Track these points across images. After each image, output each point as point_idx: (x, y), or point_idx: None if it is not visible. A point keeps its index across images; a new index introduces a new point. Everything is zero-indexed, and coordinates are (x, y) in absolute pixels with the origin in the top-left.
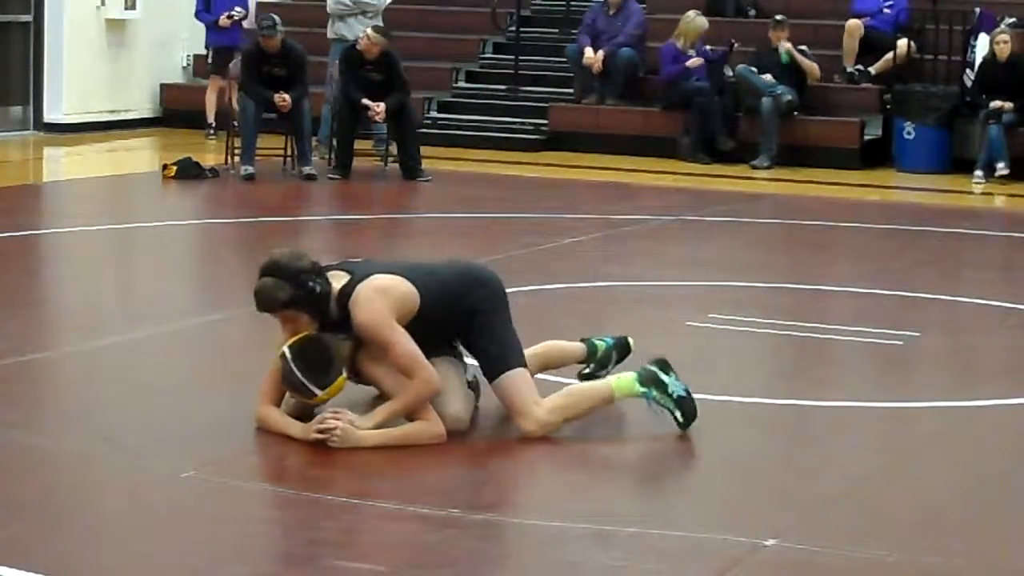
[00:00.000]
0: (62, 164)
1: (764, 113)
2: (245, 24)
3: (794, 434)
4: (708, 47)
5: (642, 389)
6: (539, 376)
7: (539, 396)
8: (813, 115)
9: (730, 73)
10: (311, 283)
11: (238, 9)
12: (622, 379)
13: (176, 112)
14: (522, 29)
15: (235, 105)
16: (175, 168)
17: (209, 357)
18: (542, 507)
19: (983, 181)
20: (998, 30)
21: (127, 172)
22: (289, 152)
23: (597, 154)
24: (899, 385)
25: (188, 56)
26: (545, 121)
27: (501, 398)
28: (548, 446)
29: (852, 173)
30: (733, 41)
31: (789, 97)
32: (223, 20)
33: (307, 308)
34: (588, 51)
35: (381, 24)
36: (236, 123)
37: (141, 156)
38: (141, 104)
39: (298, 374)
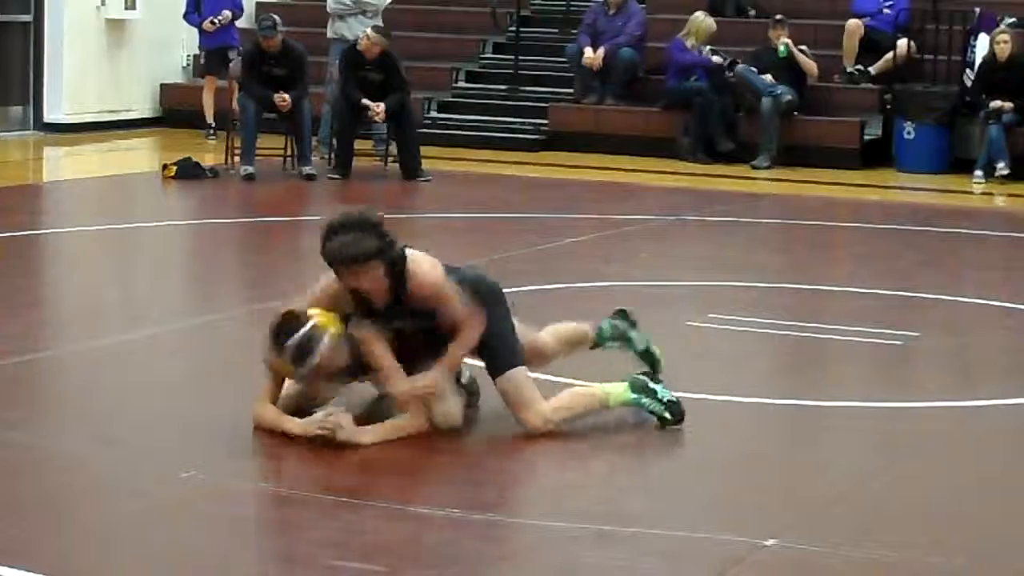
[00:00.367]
0: (62, 164)
1: (764, 113)
2: (237, 23)
3: (794, 434)
4: (711, 54)
5: (633, 396)
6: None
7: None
8: (813, 115)
9: (730, 73)
10: (390, 235)
11: (225, 13)
12: (615, 388)
13: (176, 112)
14: (522, 29)
15: (235, 105)
16: (175, 168)
17: (209, 357)
18: (542, 507)
19: (983, 181)
20: (998, 30)
21: (127, 172)
22: (289, 152)
23: (597, 154)
24: (899, 385)
25: (188, 56)
26: (545, 121)
27: (505, 393)
28: (548, 446)
29: (852, 173)
30: (736, 60)
31: (789, 97)
32: (206, 25)
33: (390, 258)
34: (588, 51)
35: (381, 24)
36: (236, 123)
37: (141, 156)
38: (141, 104)
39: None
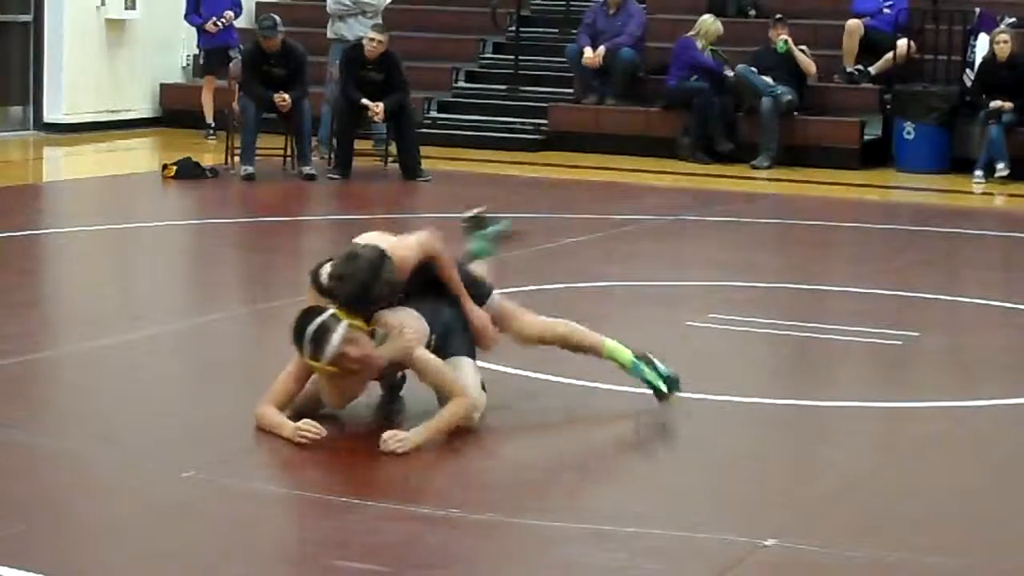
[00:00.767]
0: (62, 164)
1: (764, 113)
2: (236, 24)
3: (794, 434)
4: (719, 59)
5: (633, 360)
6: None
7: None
8: (813, 115)
9: (730, 73)
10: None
11: (228, 13)
12: (617, 345)
13: (175, 112)
14: (522, 29)
15: (235, 105)
16: (175, 168)
17: (209, 357)
18: (542, 507)
19: (983, 181)
20: (998, 30)
21: (127, 172)
22: (289, 152)
23: (597, 154)
24: (899, 385)
25: (187, 56)
26: (545, 121)
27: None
28: (548, 446)
29: (852, 173)
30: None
31: (789, 97)
32: (209, 26)
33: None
34: (588, 51)
35: (380, 23)
36: (236, 123)
37: (141, 156)
38: (141, 104)
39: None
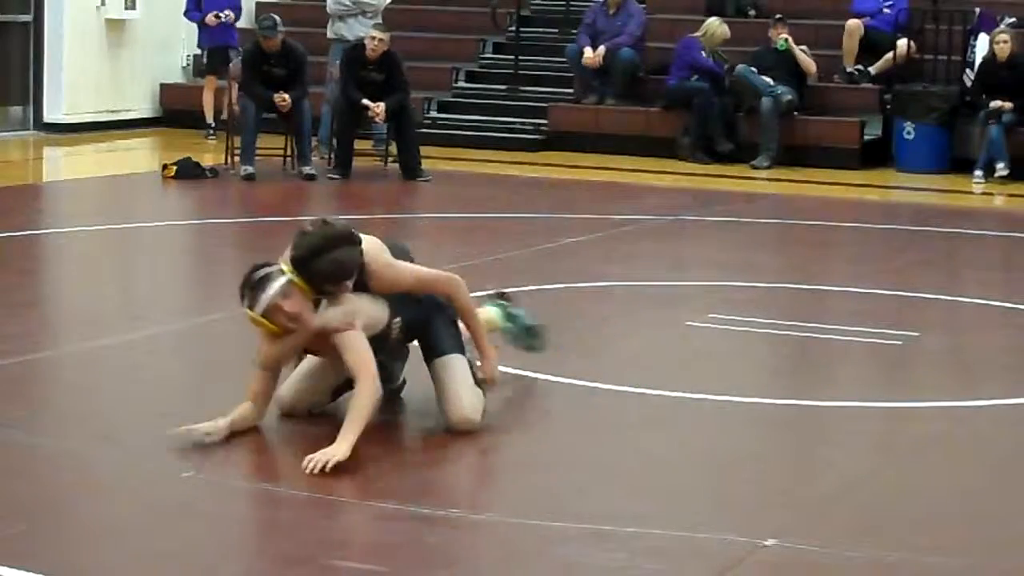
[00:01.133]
0: (62, 164)
1: (764, 113)
2: (237, 24)
3: (794, 434)
4: (715, 58)
5: (505, 324)
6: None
7: None
8: (813, 115)
9: (729, 65)
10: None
11: (227, 12)
12: (488, 313)
13: (176, 112)
14: (522, 29)
15: (235, 105)
16: (175, 168)
17: (209, 357)
18: (542, 507)
19: (983, 181)
20: (998, 30)
21: (127, 172)
22: (289, 152)
23: (597, 154)
24: (899, 385)
25: (188, 56)
26: (545, 121)
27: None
28: (548, 446)
29: (852, 173)
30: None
31: (789, 97)
32: (210, 19)
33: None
34: (588, 51)
35: (381, 23)
36: (236, 123)
37: (141, 156)
38: (141, 104)
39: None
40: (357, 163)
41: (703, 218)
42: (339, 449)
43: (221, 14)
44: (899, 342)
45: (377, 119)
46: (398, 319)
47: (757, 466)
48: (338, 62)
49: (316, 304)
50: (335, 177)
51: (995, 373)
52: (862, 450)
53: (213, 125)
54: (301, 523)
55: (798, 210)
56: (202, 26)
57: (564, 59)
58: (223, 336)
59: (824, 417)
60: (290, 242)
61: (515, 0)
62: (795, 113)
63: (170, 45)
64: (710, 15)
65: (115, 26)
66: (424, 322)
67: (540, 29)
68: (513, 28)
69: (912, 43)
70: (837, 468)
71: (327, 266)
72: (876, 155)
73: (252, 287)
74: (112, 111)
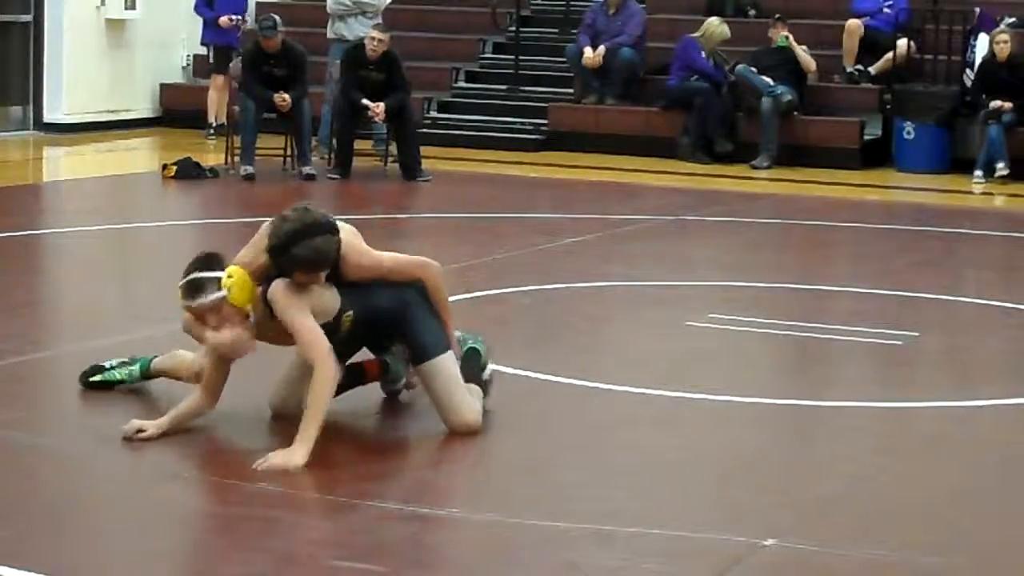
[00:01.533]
0: (62, 164)
1: (764, 113)
2: (243, 27)
3: (794, 434)
4: (711, 57)
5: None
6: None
7: None
8: (813, 115)
9: (729, 70)
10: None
11: (242, 17)
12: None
13: (176, 112)
14: (522, 29)
15: (225, 105)
16: (175, 168)
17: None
18: (542, 507)
19: (983, 181)
20: (998, 30)
21: (127, 172)
22: (289, 152)
23: (597, 154)
24: (899, 385)
25: (188, 56)
26: (545, 121)
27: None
28: (548, 446)
29: (852, 173)
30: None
31: (789, 97)
32: (223, 20)
33: None
34: (588, 51)
35: (381, 22)
36: (232, 123)
37: (141, 156)
38: (141, 104)
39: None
40: (357, 163)
41: (703, 218)
42: (296, 456)
43: (235, 17)
44: (899, 342)
45: (377, 119)
46: (350, 312)
47: (757, 466)
48: (338, 62)
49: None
50: (335, 177)
51: (995, 373)
52: (862, 450)
53: (214, 124)
54: (301, 523)
55: (798, 210)
56: (210, 23)
57: (564, 59)
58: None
59: (824, 417)
60: (268, 230)
61: (515, 0)
62: (795, 113)
63: (170, 45)
64: (710, 15)
65: (115, 26)
66: (401, 316)
67: (540, 29)
68: (513, 28)
69: (912, 43)
70: (837, 468)
71: (305, 253)
72: (876, 155)
73: (190, 286)
74: (112, 111)
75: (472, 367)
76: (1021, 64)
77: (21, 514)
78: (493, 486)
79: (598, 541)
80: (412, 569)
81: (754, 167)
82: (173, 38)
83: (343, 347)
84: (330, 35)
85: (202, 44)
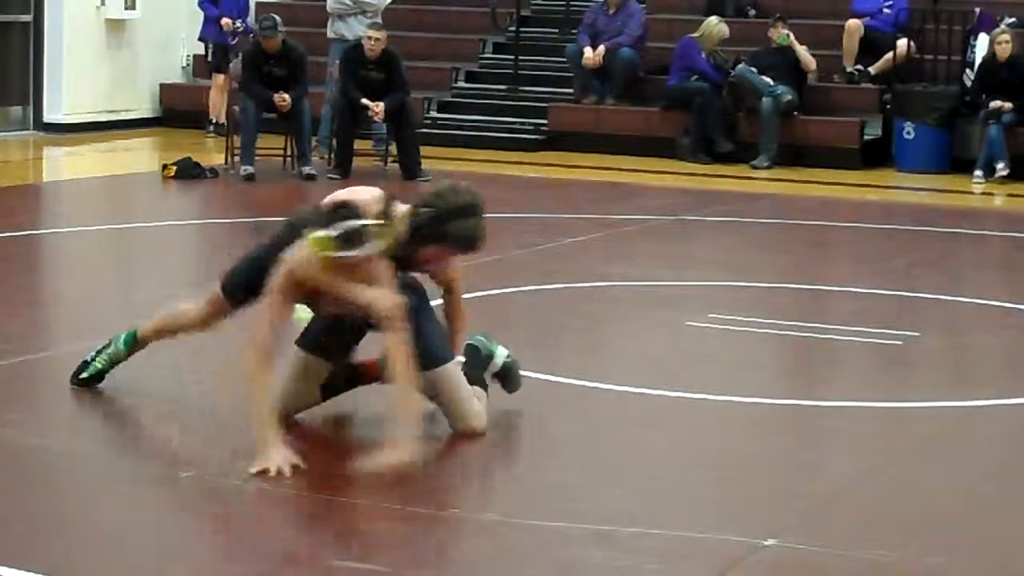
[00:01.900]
0: (62, 164)
1: (764, 113)
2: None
3: (794, 434)
4: (711, 60)
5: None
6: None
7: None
8: (813, 115)
9: (731, 70)
10: None
11: (243, 21)
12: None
13: (176, 112)
14: (522, 29)
15: (225, 105)
16: (175, 168)
17: (209, 357)
18: (542, 507)
19: (983, 181)
20: (999, 30)
21: (127, 172)
22: (289, 152)
23: (597, 154)
24: (899, 385)
25: (188, 56)
26: (545, 121)
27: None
28: (548, 446)
29: (852, 173)
30: (739, 58)
31: (789, 97)
32: (225, 21)
33: None
34: (588, 51)
35: (379, 21)
36: (232, 123)
37: (141, 156)
38: (141, 104)
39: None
40: (357, 163)
41: (703, 218)
42: (409, 451)
43: (237, 22)
44: (899, 342)
45: (377, 119)
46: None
47: (757, 466)
48: (338, 62)
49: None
50: (335, 177)
51: (995, 373)
52: (862, 450)
53: (214, 121)
54: (301, 523)
55: (798, 210)
56: (209, 20)
57: (564, 59)
58: (223, 336)
59: (824, 417)
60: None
61: (515, 0)
62: (795, 113)
63: (170, 45)
64: (710, 15)
65: (115, 26)
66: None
67: (540, 29)
68: (513, 28)
69: (912, 43)
70: (837, 468)
71: (461, 231)
72: (876, 155)
73: (348, 234)
74: (112, 111)
75: (473, 365)
76: (1021, 64)
77: (21, 514)
78: (493, 486)
79: (598, 541)
80: (412, 569)
81: (754, 167)
82: (173, 38)
83: (351, 337)
84: (330, 35)
85: (200, 40)
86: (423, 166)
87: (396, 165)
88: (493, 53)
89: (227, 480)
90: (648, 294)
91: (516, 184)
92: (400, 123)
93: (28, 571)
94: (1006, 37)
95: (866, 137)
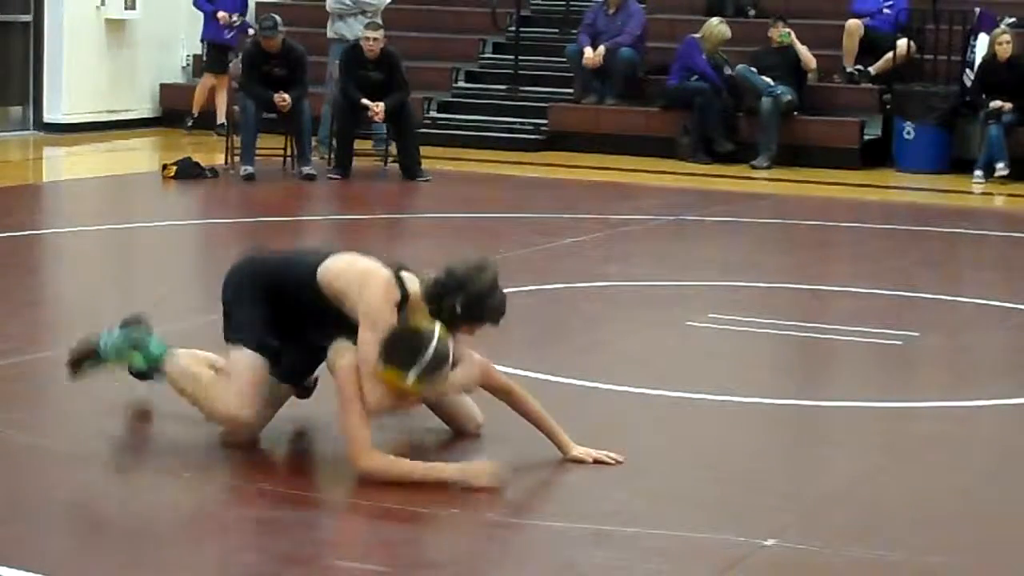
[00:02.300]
0: (62, 164)
1: (764, 113)
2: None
3: (794, 434)
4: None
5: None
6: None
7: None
8: (813, 115)
9: (730, 71)
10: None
11: (241, 15)
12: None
13: (176, 112)
14: (522, 29)
15: (226, 105)
16: (175, 168)
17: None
18: (542, 507)
19: (983, 181)
20: (999, 30)
21: (127, 172)
22: (289, 152)
23: (597, 154)
24: (899, 385)
25: (188, 56)
26: (545, 121)
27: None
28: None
29: (852, 173)
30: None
31: (789, 97)
32: (221, 15)
33: None
34: (588, 51)
35: (376, 21)
36: (232, 123)
37: (141, 156)
38: (141, 104)
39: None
40: (357, 163)
41: (703, 218)
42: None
43: (234, 16)
44: (899, 342)
45: (377, 119)
46: None
47: (757, 466)
48: (338, 62)
49: None
50: (335, 177)
51: (995, 373)
52: (862, 450)
53: (195, 116)
54: (301, 523)
55: (798, 210)
56: (209, 18)
57: (564, 59)
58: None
59: (824, 417)
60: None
61: (515, 0)
62: (795, 113)
63: (170, 45)
64: (710, 15)
65: (115, 26)
66: None
67: (540, 29)
68: (513, 28)
69: (912, 43)
70: (837, 468)
71: (499, 305)
72: (876, 155)
73: (431, 365)
74: (112, 111)
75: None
76: (1021, 64)
77: (21, 514)
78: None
79: (598, 541)
80: (412, 569)
81: (754, 167)
82: (173, 38)
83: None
84: (330, 35)
85: (201, 41)
86: (423, 166)
87: (396, 165)
88: (493, 53)
89: (228, 480)
90: (648, 294)
91: (516, 184)
92: (400, 123)
93: (28, 571)
94: (1006, 37)
95: (866, 137)
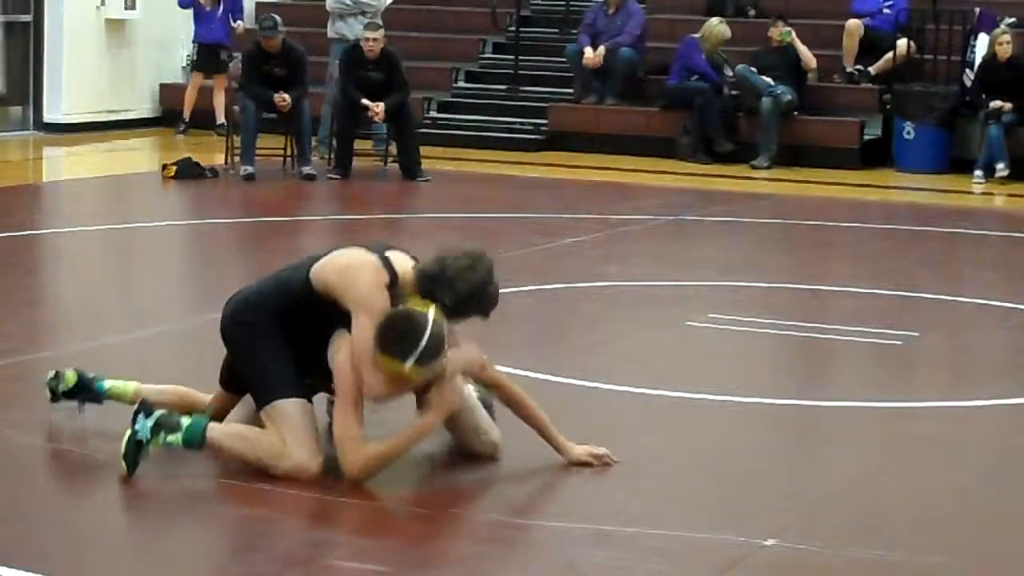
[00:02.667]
0: (62, 164)
1: (764, 113)
2: (240, 27)
3: (794, 434)
4: (711, 58)
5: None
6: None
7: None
8: (813, 115)
9: (730, 73)
10: None
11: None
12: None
13: (176, 112)
14: (522, 29)
15: (226, 105)
16: (175, 168)
17: (209, 357)
18: (542, 507)
19: (983, 181)
20: (999, 30)
21: (127, 172)
22: (289, 152)
23: (597, 154)
24: (899, 385)
25: (187, 56)
26: (545, 121)
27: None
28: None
29: (852, 173)
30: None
31: (789, 97)
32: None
33: None
34: (588, 51)
35: (375, 21)
36: (232, 123)
37: (141, 156)
38: (141, 104)
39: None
40: (357, 163)
41: (703, 218)
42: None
43: (235, 18)
44: (899, 342)
45: (377, 119)
46: None
47: (757, 466)
48: (338, 62)
49: None
50: (335, 177)
51: (995, 373)
52: (862, 450)
53: (186, 121)
54: (301, 523)
55: (798, 210)
56: (198, 19)
57: (564, 59)
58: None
59: (824, 417)
60: (430, 257)
61: (515, 0)
62: (795, 113)
63: (170, 45)
64: (710, 15)
65: (115, 26)
66: None
67: (540, 29)
68: (513, 28)
69: (912, 43)
70: (837, 468)
71: (489, 300)
72: (876, 155)
73: (427, 351)
74: (112, 111)
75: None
76: (1021, 64)
77: (21, 514)
78: (493, 486)
79: (598, 541)
80: (412, 569)
81: (754, 167)
82: (173, 38)
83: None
84: (330, 35)
85: (193, 43)
86: (423, 166)
87: (396, 165)
88: (493, 53)
89: (228, 480)
90: (648, 294)
91: (516, 184)
92: (400, 123)
93: (28, 571)
94: (1006, 37)
95: (866, 137)
